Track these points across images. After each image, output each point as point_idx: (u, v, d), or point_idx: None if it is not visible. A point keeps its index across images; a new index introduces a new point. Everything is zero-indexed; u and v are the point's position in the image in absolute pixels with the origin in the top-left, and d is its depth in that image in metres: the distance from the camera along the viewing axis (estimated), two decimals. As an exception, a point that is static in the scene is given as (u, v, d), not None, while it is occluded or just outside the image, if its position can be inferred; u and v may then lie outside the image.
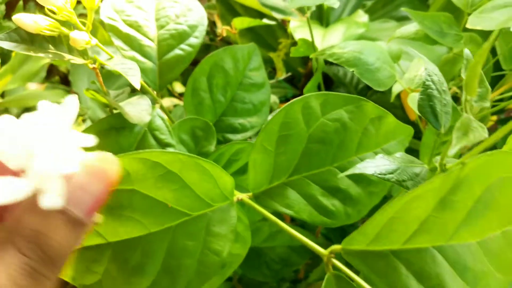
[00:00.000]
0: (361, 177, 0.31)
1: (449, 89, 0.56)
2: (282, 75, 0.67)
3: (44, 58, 0.70)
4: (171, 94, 0.68)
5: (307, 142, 0.30)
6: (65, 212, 0.19)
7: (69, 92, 0.80)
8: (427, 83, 0.28)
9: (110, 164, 0.21)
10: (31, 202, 0.18)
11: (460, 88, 0.56)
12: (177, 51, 0.38)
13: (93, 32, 0.33)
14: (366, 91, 0.72)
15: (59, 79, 0.86)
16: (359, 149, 0.31)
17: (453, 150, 0.19)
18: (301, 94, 0.38)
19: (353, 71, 0.42)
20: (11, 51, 0.66)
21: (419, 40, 0.52)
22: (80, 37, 0.30)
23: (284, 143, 0.30)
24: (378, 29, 0.67)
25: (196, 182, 0.27)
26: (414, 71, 0.44)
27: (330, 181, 0.30)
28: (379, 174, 0.27)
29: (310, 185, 0.30)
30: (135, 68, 0.32)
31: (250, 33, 0.73)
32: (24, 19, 0.30)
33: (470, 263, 0.24)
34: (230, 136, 0.43)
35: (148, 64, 0.37)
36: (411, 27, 0.53)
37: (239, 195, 0.29)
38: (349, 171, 0.28)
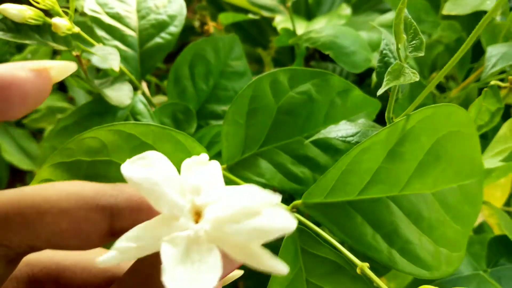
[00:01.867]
0: (329, 146, 0.32)
1: (432, 77, 0.58)
2: (270, 70, 0.69)
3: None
4: (163, 92, 0.70)
5: (276, 114, 0.32)
6: None
7: (66, 97, 0.83)
8: (384, 52, 0.29)
9: None
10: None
11: (445, 77, 0.57)
12: (157, 40, 0.40)
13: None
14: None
15: (57, 84, 0.88)
16: (327, 120, 0.33)
17: (380, 90, 0.21)
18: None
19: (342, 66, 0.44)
20: (7, 58, 0.69)
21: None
22: (61, 23, 0.33)
23: (254, 115, 0.32)
24: (363, 21, 0.69)
25: (170, 152, 0.29)
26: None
27: (299, 151, 0.32)
28: (340, 137, 0.29)
29: (280, 154, 0.32)
30: (115, 53, 0.34)
31: (238, 30, 0.76)
32: (9, 9, 0.32)
33: (424, 212, 0.25)
34: (213, 122, 0.45)
35: (130, 52, 0.39)
36: (388, 16, 0.55)
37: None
38: (314, 137, 0.29)
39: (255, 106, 0.32)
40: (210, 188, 0.16)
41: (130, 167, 0.16)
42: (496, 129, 0.39)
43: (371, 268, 0.23)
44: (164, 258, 0.14)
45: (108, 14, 0.40)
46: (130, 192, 0.18)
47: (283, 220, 0.14)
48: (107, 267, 0.20)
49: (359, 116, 0.34)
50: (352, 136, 0.29)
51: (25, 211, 0.16)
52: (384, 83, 0.21)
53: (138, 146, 0.28)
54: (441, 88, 0.61)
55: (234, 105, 0.31)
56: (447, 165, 0.26)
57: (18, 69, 0.16)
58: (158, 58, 0.40)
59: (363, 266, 0.21)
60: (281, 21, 0.61)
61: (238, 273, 0.20)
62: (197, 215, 0.16)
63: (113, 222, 0.17)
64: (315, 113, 0.33)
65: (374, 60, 0.48)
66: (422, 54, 0.22)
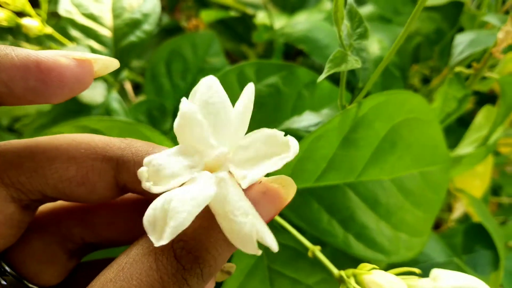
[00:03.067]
0: (296, 137, 0.33)
1: (412, 69, 0.58)
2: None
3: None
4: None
5: (243, 107, 0.33)
6: None
7: None
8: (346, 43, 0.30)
9: (288, 187, 0.17)
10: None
11: (430, 69, 0.58)
12: (131, 38, 0.41)
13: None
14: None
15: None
16: (294, 112, 0.33)
17: (321, 77, 0.21)
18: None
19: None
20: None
21: (374, 21, 0.54)
22: (32, 25, 0.33)
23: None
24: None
25: (137, 146, 0.30)
26: (367, 49, 0.46)
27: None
28: (302, 127, 0.29)
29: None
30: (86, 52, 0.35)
31: (224, 28, 0.76)
32: (-20, 12, 0.33)
33: (382, 198, 0.26)
34: (192, 118, 0.45)
35: (104, 51, 0.40)
36: (366, 9, 0.55)
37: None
38: (280, 128, 0.30)
39: (221, 100, 0.32)
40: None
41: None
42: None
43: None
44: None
45: (83, 14, 0.41)
46: (138, 147, 0.18)
47: None
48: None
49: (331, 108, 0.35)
50: (314, 125, 0.29)
51: (36, 157, 0.17)
52: (325, 70, 0.21)
53: (104, 141, 0.29)
54: (426, 80, 0.62)
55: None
56: (405, 152, 0.27)
57: (61, 56, 0.17)
58: (132, 56, 0.41)
59: (314, 249, 0.22)
60: (262, 17, 0.61)
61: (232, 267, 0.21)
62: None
63: (117, 174, 0.18)
64: (283, 105, 0.33)
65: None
66: (366, 40, 0.22)
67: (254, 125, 0.33)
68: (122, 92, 0.48)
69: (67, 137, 0.18)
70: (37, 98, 0.17)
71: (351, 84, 0.29)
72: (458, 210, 0.50)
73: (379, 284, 0.17)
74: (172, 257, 0.16)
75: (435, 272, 0.19)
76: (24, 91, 0.16)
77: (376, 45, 0.46)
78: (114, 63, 0.19)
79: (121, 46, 0.41)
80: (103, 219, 0.20)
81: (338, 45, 0.26)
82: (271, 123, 0.33)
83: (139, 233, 0.17)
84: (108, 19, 0.41)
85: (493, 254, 0.39)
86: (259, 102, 0.33)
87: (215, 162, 0.17)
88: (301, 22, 0.46)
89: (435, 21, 0.55)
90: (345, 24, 0.22)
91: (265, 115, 0.33)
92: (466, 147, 0.39)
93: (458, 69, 0.33)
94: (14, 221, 0.18)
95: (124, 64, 0.41)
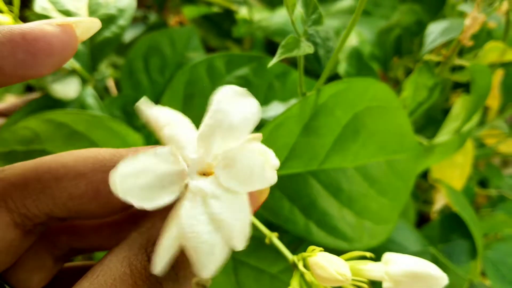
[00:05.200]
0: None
1: (394, 61, 0.58)
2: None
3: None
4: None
5: (213, 99, 0.33)
6: None
7: None
8: (310, 32, 0.30)
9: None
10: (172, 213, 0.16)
11: (414, 61, 0.58)
12: (106, 33, 0.41)
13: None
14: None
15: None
16: (266, 103, 0.33)
17: (273, 61, 0.21)
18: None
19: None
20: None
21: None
22: (3, 20, 0.33)
23: (190, 101, 0.32)
24: (325, 9, 0.70)
25: (104, 139, 0.30)
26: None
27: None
28: (269, 117, 0.29)
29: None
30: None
31: (209, 24, 0.76)
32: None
33: (345, 186, 0.26)
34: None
35: (80, 47, 0.40)
36: (345, 2, 0.55)
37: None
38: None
39: (191, 92, 0.32)
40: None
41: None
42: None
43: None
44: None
45: (59, 11, 0.41)
46: None
47: None
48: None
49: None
50: (280, 116, 0.29)
51: (42, 177, 0.17)
52: (276, 55, 0.21)
53: (70, 134, 0.29)
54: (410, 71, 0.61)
55: (169, 91, 0.32)
56: (369, 140, 0.27)
57: (46, 24, 0.17)
58: (107, 52, 0.41)
59: (271, 236, 0.22)
60: (245, 13, 0.61)
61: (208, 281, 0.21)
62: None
63: None
64: (254, 96, 0.33)
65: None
66: (321, 26, 0.22)
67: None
68: (105, 90, 0.49)
69: (72, 154, 0.17)
70: (27, 72, 0.16)
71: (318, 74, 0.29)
72: (439, 202, 0.50)
73: (322, 266, 0.17)
74: (146, 261, 0.16)
75: (387, 256, 0.19)
76: (13, 67, 0.16)
77: (354, 37, 0.46)
78: (96, 24, 0.18)
79: (96, 42, 0.41)
80: (91, 225, 0.20)
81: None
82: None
83: (122, 238, 0.17)
84: (84, 16, 0.41)
85: (470, 243, 0.39)
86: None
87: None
88: (278, 15, 0.46)
89: (416, 13, 0.55)
90: (300, 10, 0.22)
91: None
92: (443, 137, 0.39)
93: (427, 57, 0.33)
94: (15, 247, 0.17)
95: (100, 60, 0.41)
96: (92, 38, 0.41)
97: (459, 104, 0.40)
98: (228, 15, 0.72)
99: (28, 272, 0.19)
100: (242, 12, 0.62)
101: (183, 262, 0.16)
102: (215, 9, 0.63)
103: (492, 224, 0.56)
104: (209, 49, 0.89)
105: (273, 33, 0.44)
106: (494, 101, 0.53)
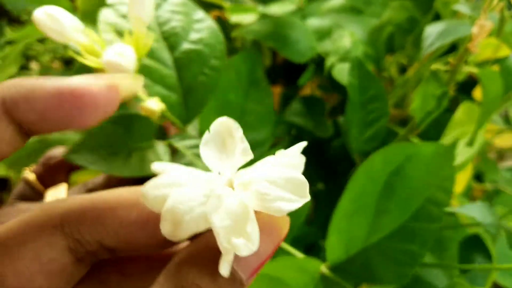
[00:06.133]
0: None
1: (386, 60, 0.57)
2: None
3: (12, 69, 0.73)
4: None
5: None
6: (231, 272, 0.16)
7: None
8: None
9: (282, 221, 0.17)
10: (194, 254, 0.17)
11: (408, 58, 0.56)
12: (200, 78, 0.34)
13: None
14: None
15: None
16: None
17: None
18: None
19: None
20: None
21: (346, 12, 0.52)
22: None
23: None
24: (316, 7, 0.68)
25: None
26: (337, 43, 0.44)
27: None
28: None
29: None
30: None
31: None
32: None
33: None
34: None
35: (173, 96, 0.34)
36: (337, 0, 0.53)
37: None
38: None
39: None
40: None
41: None
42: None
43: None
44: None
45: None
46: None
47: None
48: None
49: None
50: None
51: (98, 206, 0.18)
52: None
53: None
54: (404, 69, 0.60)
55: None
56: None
57: (93, 81, 0.18)
58: (203, 100, 0.34)
59: None
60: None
61: None
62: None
63: None
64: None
65: (323, 47, 0.47)
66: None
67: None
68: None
69: (128, 188, 0.19)
70: (71, 124, 0.18)
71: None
72: None
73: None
74: None
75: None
76: (59, 118, 0.17)
77: (347, 38, 0.44)
78: (139, 84, 0.20)
79: (188, 88, 0.35)
80: (139, 266, 0.21)
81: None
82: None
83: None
84: (166, 52, 0.34)
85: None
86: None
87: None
88: (268, 21, 0.44)
89: (407, 10, 0.54)
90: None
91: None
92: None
93: (434, 67, 0.31)
94: (67, 274, 0.18)
95: (194, 110, 0.34)
96: (182, 84, 0.34)
97: (463, 111, 0.38)
98: (219, 17, 0.70)
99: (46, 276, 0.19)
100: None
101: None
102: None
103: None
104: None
105: (265, 37, 0.42)
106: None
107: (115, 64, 0.25)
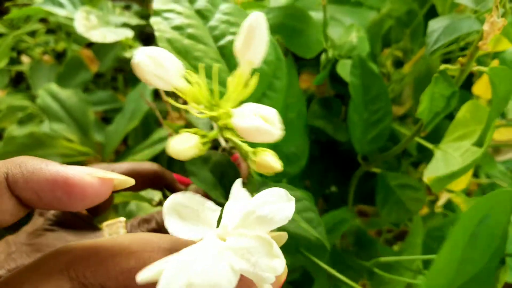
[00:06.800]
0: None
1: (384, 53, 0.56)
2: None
3: (1, 63, 0.71)
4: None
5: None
6: None
7: (29, 95, 0.81)
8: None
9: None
10: None
11: (403, 51, 0.55)
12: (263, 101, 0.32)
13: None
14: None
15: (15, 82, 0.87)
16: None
17: None
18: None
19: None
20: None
21: (345, 5, 0.51)
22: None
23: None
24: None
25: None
26: (344, 38, 0.42)
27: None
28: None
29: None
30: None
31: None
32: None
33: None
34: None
35: None
36: (335, -8, 0.51)
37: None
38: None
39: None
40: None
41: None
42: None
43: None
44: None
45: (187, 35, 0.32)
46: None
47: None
48: None
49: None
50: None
51: (101, 252, 0.20)
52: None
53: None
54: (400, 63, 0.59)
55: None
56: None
57: (86, 174, 0.21)
58: None
59: None
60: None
61: None
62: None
63: None
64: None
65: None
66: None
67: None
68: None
69: (129, 235, 0.21)
70: (60, 206, 0.20)
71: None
72: (443, 198, 0.49)
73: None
74: None
75: None
76: (50, 200, 0.20)
77: (354, 33, 0.43)
78: (131, 181, 0.22)
79: None
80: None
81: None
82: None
83: None
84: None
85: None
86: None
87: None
88: (275, 9, 0.42)
89: (406, 2, 0.52)
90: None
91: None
92: (451, 144, 0.37)
93: (443, 67, 0.30)
94: None
95: None
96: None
97: (468, 109, 0.37)
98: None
99: None
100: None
101: None
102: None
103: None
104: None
105: (270, 28, 0.40)
106: (485, 90, 0.51)
107: (263, 131, 0.23)
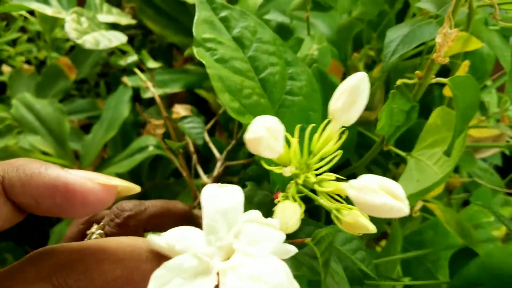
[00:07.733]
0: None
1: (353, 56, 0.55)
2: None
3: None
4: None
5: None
6: None
7: (4, 100, 0.80)
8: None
9: None
10: None
11: (377, 51, 0.54)
12: None
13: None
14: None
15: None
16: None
17: None
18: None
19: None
20: None
21: (313, 9, 0.50)
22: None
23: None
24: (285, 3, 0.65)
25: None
26: (304, 51, 0.41)
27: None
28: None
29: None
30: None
31: (163, 19, 0.72)
32: None
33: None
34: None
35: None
36: (301, -2, 0.50)
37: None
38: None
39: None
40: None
41: None
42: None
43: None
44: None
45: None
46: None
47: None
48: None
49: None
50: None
51: (86, 259, 0.19)
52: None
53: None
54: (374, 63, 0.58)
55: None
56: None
57: (87, 179, 0.19)
58: None
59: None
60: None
61: None
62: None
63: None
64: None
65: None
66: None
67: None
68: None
69: (116, 240, 0.20)
70: (61, 213, 0.19)
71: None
72: (419, 204, 0.49)
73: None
74: None
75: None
76: (50, 206, 0.19)
77: (315, 46, 0.42)
78: (136, 189, 0.21)
79: None
80: None
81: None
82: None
83: None
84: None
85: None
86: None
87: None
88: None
89: (378, 4, 0.51)
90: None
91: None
92: (423, 151, 0.36)
93: (400, 81, 0.29)
94: None
95: None
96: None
97: (438, 115, 0.36)
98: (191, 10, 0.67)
99: None
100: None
101: None
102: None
103: (469, 215, 0.55)
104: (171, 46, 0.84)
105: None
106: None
107: (391, 208, 0.21)
